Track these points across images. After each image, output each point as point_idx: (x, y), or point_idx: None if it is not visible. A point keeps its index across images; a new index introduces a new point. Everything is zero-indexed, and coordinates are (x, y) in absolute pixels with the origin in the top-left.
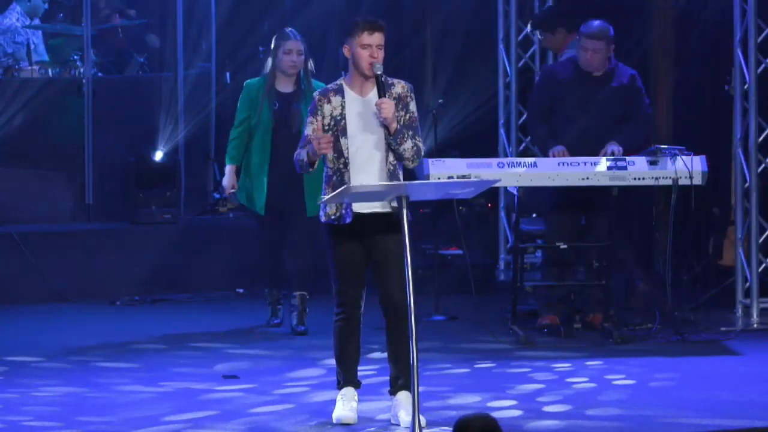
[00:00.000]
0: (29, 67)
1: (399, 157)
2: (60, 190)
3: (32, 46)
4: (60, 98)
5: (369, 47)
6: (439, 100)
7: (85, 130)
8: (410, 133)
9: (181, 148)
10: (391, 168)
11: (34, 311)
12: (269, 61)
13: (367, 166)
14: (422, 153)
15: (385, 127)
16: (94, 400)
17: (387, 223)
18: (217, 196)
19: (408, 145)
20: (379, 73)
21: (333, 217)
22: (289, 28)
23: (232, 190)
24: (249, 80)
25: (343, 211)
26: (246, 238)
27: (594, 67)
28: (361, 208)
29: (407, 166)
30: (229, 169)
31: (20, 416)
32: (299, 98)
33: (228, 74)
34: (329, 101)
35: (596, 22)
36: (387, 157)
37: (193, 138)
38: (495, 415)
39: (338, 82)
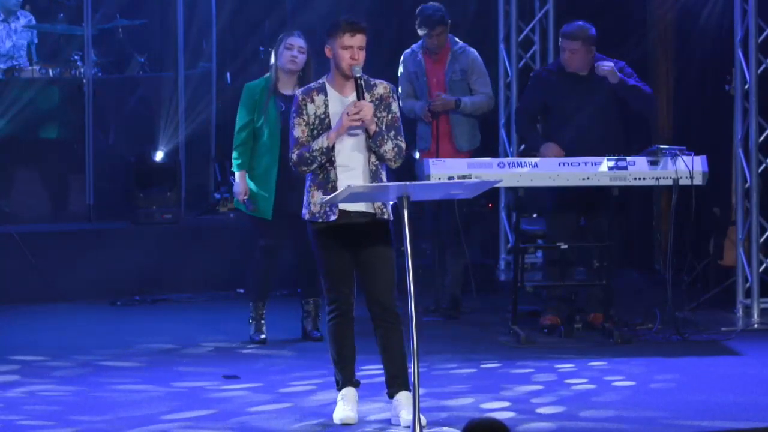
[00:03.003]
0: (30, 67)
1: (380, 158)
2: (60, 190)
3: (32, 47)
4: (60, 98)
5: (350, 48)
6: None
7: (85, 130)
8: (392, 133)
9: (182, 148)
10: (373, 168)
11: (34, 311)
12: (272, 60)
13: (349, 166)
14: (404, 152)
15: (365, 130)
16: (94, 400)
17: (371, 224)
18: (217, 196)
19: (389, 146)
20: (358, 75)
21: (317, 214)
22: (297, 30)
23: (245, 197)
24: (249, 83)
25: (328, 209)
26: (247, 238)
27: (574, 67)
28: (347, 206)
29: (391, 166)
30: (240, 175)
31: (19, 415)
32: None
33: (229, 74)
34: (312, 100)
35: (576, 23)
36: (369, 157)
37: (193, 138)
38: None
39: (320, 81)
